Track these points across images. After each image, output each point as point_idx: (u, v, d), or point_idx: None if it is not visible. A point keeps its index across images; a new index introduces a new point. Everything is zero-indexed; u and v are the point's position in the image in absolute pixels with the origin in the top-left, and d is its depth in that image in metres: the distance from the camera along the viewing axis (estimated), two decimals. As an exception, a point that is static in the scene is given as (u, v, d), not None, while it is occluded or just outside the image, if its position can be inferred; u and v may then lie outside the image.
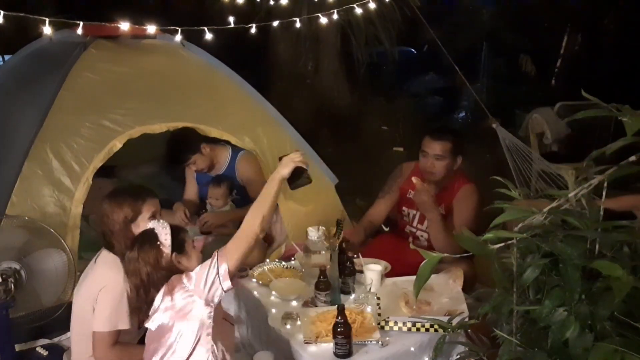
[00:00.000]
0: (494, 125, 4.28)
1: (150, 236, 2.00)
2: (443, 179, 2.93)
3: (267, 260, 2.85)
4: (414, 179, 2.80)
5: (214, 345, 1.87)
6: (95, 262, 2.29)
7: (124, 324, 2.13)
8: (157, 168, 4.78)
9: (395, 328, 2.18)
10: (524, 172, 4.04)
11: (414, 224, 3.07)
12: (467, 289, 2.48)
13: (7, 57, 6.13)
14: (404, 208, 3.12)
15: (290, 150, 3.65)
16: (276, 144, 3.69)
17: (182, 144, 3.34)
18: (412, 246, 1.38)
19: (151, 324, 1.92)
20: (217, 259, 1.91)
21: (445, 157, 2.87)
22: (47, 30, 2.37)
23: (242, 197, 3.44)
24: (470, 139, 5.57)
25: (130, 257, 1.96)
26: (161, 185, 4.53)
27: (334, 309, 2.17)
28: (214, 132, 3.32)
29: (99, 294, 2.14)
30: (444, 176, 2.92)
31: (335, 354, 2.04)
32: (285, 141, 3.73)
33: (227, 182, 3.36)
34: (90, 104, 3.20)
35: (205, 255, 2.06)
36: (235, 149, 3.47)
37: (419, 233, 3.05)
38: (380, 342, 2.10)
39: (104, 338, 2.11)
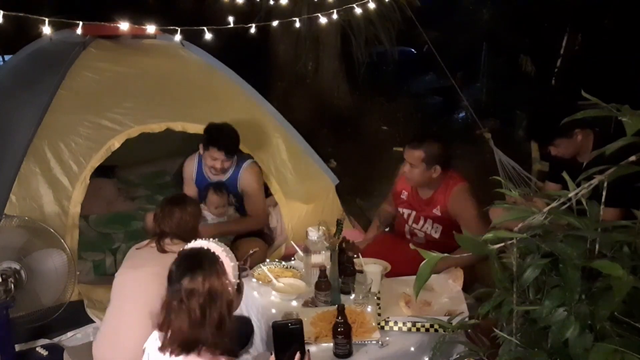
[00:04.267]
0: (487, 137, 4.36)
1: (211, 258, 1.69)
2: (432, 182, 2.93)
3: (267, 260, 2.85)
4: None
5: None
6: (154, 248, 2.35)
7: None
8: (157, 168, 4.79)
9: (395, 328, 2.18)
10: (513, 180, 4.12)
11: (410, 222, 3.08)
12: (466, 288, 2.48)
13: (7, 57, 6.14)
14: (399, 209, 3.14)
15: (289, 152, 3.68)
16: (275, 144, 3.70)
17: (236, 140, 3.23)
18: (412, 246, 1.38)
19: None
20: None
21: (416, 166, 2.87)
22: (46, 30, 2.37)
23: (240, 206, 3.40)
24: (470, 140, 5.58)
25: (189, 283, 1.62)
26: (160, 185, 4.54)
27: (334, 309, 2.17)
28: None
29: None
30: (422, 183, 2.94)
31: (335, 354, 2.04)
32: (284, 142, 3.74)
33: (226, 190, 3.28)
34: (89, 103, 3.20)
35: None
36: (241, 158, 3.39)
37: (416, 231, 3.08)
38: (380, 342, 2.10)
39: None
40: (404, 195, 3.10)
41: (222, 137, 3.18)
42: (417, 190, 3.04)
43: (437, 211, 2.95)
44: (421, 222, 3.03)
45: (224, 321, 1.63)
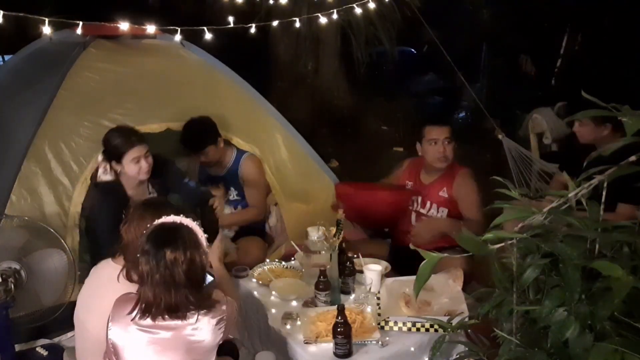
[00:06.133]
0: (500, 137, 4.32)
1: (189, 230, 1.82)
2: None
3: (267, 260, 2.85)
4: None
5: None
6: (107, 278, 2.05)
7: None
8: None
9: (395, 328, 2.18)
10: (525, 176, 4.11)
11: (417, 207, 3.16)
12: (464, 287, 2.48)
13: (7, 57, 6.13)
14: None
15: (289, 152, 3.69)
16: (275, 144, 3.70)
17: (201, 131, 3.25)
18: (412, 246, 1.38)
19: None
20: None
21: (452, 140, 3.01)
22: (46, 30, 2.37)
23: (243, 198, 3.44)
24: (470, 140, 5.58)
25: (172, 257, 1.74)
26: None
27: (334, 309, 2.17)
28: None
29: None
30: (452, 158, 3.04)
31: (335, 354, 2.04)
32: (284, 142, 3.74)
33: (224, 184, 3.34)
34: (89, 103, 3.20)
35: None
36: (240, 150, 3.46)
37: (423, 217, 3.14)
38: (380, 342, 2.10)
39: None
40: (409, 185, 3.20)
41: (185, 135, 3.25)
42: (421, 178, 3.15)
43: (443, 193, 3.05)
44: (427, 206, 3.11)
45: (201, 283, 1.83)
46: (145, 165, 2.69)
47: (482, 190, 3.00)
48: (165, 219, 1.85)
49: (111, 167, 2.73)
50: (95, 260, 2.34)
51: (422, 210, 3.14)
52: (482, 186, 3.01)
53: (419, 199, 3.14)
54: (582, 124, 2.76)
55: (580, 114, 1.31)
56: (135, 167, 2.67)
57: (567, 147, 3.08)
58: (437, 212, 3.08)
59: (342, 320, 2.02)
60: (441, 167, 3.04)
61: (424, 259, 1.25)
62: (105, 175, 2.75)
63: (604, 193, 1.26)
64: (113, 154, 2.69)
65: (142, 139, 2.72)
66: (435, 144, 2.99)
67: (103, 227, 2.61)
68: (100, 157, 2.79)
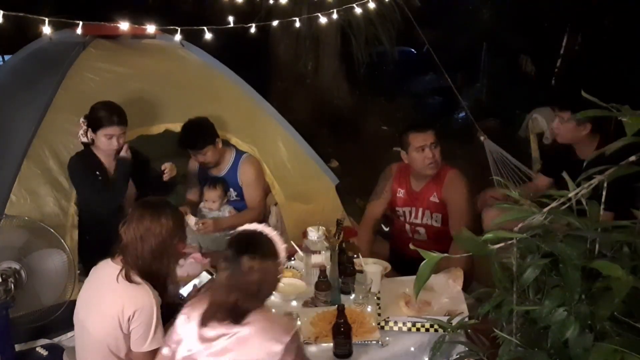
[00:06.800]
0: (482, 138, 4.35)
1: (268, 242, 1.83)
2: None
3: (267, 260, 2.85)
4: None
5: None
6: (110, 279, 2.05)
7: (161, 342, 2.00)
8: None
9: (395, 328, 2.18)
10: (505, 177, 4.15)
11: (410, 220, 3.09)
12: (464, 287, 2.48)
13: (7, 57, 6.13)
14: (397, 208, 3.14)
15: (289, 152, 3.69)
16: (275, 144, 3.69)
17: (200, 131, 3.24)
18: (411, 246, 1.38)
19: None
20: None
21: (438, 144, 2.92)
22: (46, 30, 2.37)
23: (242, 199, 3.43)
24: (470, 140, 5.59)
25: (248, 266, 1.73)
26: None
27: (334, 309, 2.17)
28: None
29: (136, 315, 1.97)
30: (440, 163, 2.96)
31: (335, 354, 2.04)
32: (284, 142, 3.74)
33: (222, 184, 3.34)
34: (88, 103, 3.18)
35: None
36: (239, 151, 3.46)
37: (417, 228, 3.08)
38: (380, 342, 2.10)
39: (147, 357, 2.01)
40: (401, 193, 3.11)
41: (183, 136, 3.26)
42: (411, 184, 3.07)
43: (434, 198, 2.98)
44: (420, 214, 3.05)
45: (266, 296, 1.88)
46: (115, 143, 2.87)
47: (472, 191, 2.96)
48: (248, 226, 1.89)
49: (87, 133, 2.93)
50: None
51: (415, 221, 3.06)
52: (482, 186, 2.99)
53: (413, 210, 3.06)
54: (563, 121, 2.74)
55: (580, 114, 1.31)
56: (106, 142, 2.88)
57: (548, 149, 3.00)
58: (432, 218, 3.00)
59: (342, 320, 2.02)
60: (431, 174, 2.96)
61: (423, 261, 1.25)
62: (83, 138, 2.96)
63: (604, 193, 1.26)
64: (91, 123, 2.90)
65: (123, 121, 2.88)
66: (423, 151, 2.89)
67: (76, 180, 2.91)
68: (82, 120, 2.94)
